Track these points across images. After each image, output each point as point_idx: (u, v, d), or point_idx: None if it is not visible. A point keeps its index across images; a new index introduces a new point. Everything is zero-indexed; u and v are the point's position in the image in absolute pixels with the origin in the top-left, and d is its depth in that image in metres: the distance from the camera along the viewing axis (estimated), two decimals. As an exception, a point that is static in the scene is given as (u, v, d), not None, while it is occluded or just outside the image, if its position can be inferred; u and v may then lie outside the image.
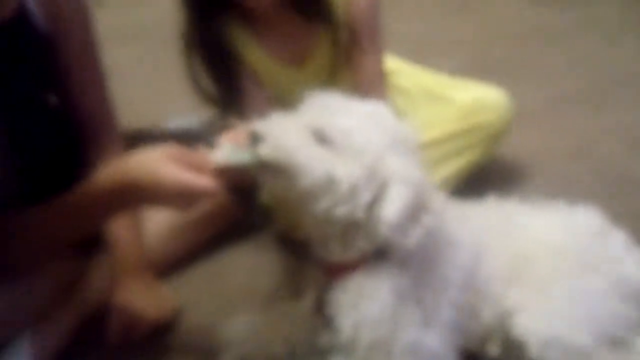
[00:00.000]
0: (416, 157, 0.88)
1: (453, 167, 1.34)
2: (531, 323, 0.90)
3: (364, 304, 0.87)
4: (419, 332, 0.88)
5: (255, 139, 0.85)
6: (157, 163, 0.82)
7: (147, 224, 1.19)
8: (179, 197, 0.83)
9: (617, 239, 0.97)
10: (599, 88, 1.90)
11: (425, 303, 0.89)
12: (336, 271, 0.91)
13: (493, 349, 0.95)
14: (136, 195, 0.85)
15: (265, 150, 0.84)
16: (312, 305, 1.01)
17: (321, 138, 0.83)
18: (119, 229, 1.11)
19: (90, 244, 1.10)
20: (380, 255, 0.88)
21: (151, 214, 1.19)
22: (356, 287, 0.89)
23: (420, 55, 1.62)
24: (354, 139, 0.83)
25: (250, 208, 1.29)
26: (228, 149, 0.87)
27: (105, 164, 1.00)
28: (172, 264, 1.26)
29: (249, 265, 1.32)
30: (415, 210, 0.82)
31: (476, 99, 1.37)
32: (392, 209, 0.80)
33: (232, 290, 1.25)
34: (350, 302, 0.89)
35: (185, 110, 1.86)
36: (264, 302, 1.21)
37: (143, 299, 1.10)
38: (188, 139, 0.93)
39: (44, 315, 1.04)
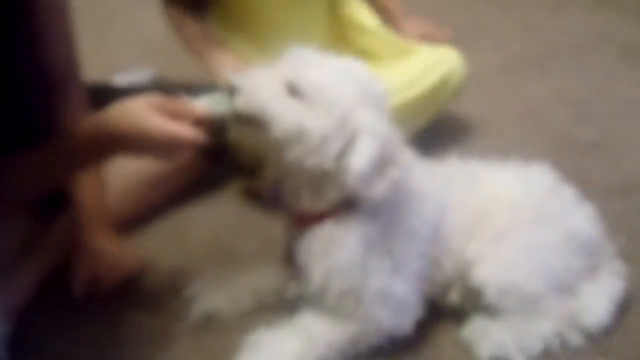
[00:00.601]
0: (386, 113, 0.91)
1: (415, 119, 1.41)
2: (488, 273, 0.97)
3: (334, 251, 0.91)
4: (387, 279, 0.92)
5: (232, 91, 0.89)
6: (142, 113, 0.83)
7: (111, 179, 1.18)
8: (165, 147, 0.84)
9: (568, 194, 1.04)
10: (544, 54, 1.99)
11: (394, 253, 0.93)
12: (306, 221, 0.94)
13: (454, 297, 1.01)
14: (120, 145, 0.85)
15: (240, 102, 0.88)
16: (280, 256, 1.04)
17: (294, 91, 0.86)
18: (83, 184, 1.10)
19: (51, 201, 1.08)
20: (349, 205, 0.91)
21: (114, 169, 1.18)
22: (326, 236, 0.92)
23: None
24: (325, 91, 0.86)
25: (220, 159, 1.30)
26: (208, 100, 0.89)
27: (74, 117, 0.98)
28: (136, 219, 1.26)
29: (213, 220, 1.33)
30: (382, 163, 0.85)
31: (434, 55, 1.44)
32: (359, 160, 0.84)
33: (197, 245, 1.26)
34: (320, 250, 0.92)
35: (131, 63, 1.87)
36: (230, 256, 1.23)
37: (108, 253, 1.10)
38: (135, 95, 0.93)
39: (3, 272, 1.02)
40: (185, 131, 0.84)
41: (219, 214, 1.35)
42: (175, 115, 0.86)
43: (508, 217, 1.00)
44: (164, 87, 1.26)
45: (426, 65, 1.42)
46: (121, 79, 1.76)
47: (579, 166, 1.42)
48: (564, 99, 1.74)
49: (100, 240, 1.10)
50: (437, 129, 1.52)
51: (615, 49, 1.98)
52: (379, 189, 0.86)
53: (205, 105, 0.91)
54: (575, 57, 1.97)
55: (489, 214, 1.00)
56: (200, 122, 0.89)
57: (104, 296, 1.09)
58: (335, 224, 0.92)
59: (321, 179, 0.89)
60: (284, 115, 0.85)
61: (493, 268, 0.97)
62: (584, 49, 2.01)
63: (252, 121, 0.88)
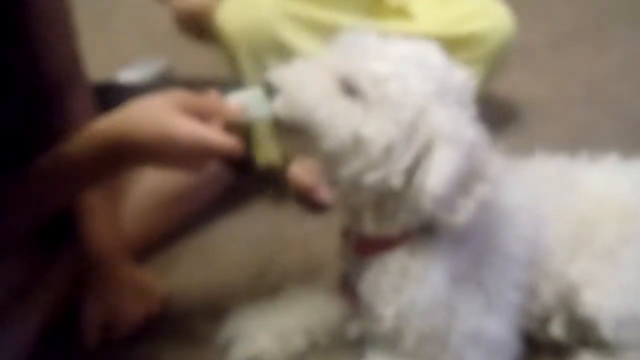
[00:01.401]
0: (469, 110, 0.73)
1: None
2: (602, 299, 0.78)
3: (411, 288, 0.74)
4: (480, 319, 0.75)
5: (269, 91, 0.71)
6: (164, 114, 0.68)
7: (126, 197, 1.01)
8: (194, 155, 0.70)
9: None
10: (600, 23, 1.78)
11: (486, 285, 0.76)
12: (370, 247, 0.78)
13: (556, 330, 0.83)
14: (138, 155, 0.70)
15: (280, 105, 0.71)
16: (336, 287, 0.86)
17: (350, 89, 0.70)
18: (92, 206, 0.92)
19: (54, 228, 0.90)
20: (428, 229, 0.73)
21: (128, 184, 1.00)
22: (399, 268, 0.75)
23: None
24: (389, 87, 0.68)
25: (247, 168, 1.13)
26: (244, 99, 0.72)
27: (79, 123, 0.81)
28: (157, 242, 1.09)
29: (243, 237, 1.16)
30: (467, 179, 0.69)
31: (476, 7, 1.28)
32: (437, 177, 0.67)
33: (228, 268, 1.09)
34: (392, 285, 0.75)
35: (136, 57, 1.70)
36: (268, 280, 1.05)
37: (124, 291, 0.92)
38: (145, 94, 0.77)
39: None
40: (217, 136, 0.69)
41: (250, 230, 1.17)
42: (204, 116, 0.70)
43: (620, 227, 0.81)
44: (175, 83, 1.09)
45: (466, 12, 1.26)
46: (126, 75, 1.60)
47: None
48: (632, 76, 1.53)
49: (117, 275, 0.92)
50: (486, 115, 1.32)
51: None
52: (463, 213, 0.69)
53: (243, 105, 0.72)
54: (630, 26, 1.76)
55: (596, 224, 0.82)
56: (230, 126, 0.73)
57: (120, 342, 0.91)
58: (410, 253, 0.75)
59: (388, 199, 0.72)
60: (338, 120, 0.69)
61: (607, 292, 0.79)
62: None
63: (296, 128, 0.71)
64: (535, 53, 1.62)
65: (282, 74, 0.71)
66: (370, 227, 0.75)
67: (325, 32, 1.08)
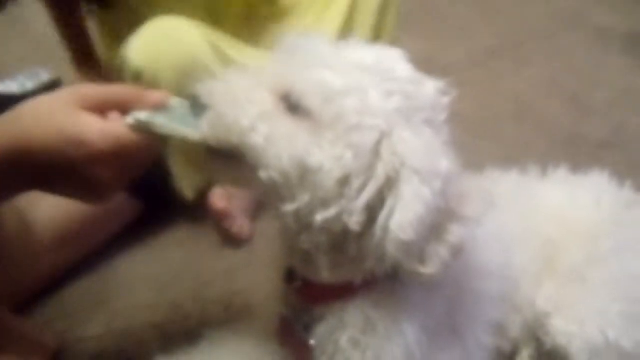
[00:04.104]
0: (443, 132, 0.61)
1: None
2: (573, 326, 0.73)
3: (378, 345, 0.63)
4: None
5: (197, 106, 0.59)
6: (63, 113, 0.55)
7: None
8: (111, 160, 0.56)
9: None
10: (515, 41, 1.81)
11: (461, 332, 0.67)
12: (323, 295, 0.66)
13: (525, 361, 0.76)
14: (38, 169, 0.55)
15: (210, 124, 0.59)
16: (274, 334, 0.74)
17: (294, 105, 0.58)
18: None
19: None
20: (395, 273, 0.60)
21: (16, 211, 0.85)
22: (361, 321, 0.64)
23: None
24: (343, 104, 0.57)
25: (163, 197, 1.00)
26: (170, 113, 0.60)
27: None
28: (47, 284, 0.95)
29: (152, 275, 1.03)
30: (441, 220, 0.57)
31: None
32: (405, 218, 0.55)
33: (133, 312, 0.96)
34: (353, 341, 0.64)
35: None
36: (185, 326, 0.92)
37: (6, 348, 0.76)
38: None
39: None
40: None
41: (160, 267, 1.04)
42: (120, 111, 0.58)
43: (584, 246, 0.77)
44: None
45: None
46: (6, 87, 1.44)
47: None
48: (555, 90, 1.56)
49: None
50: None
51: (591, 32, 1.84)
52: (435, 262, 0.57)
53: (165, 118, 0.60)
54: (549, 43, 1.80)
55: (559, 245, 0.77)
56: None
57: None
58: (374, 303, 0.63)
59: (347, 242, 0.60)
60: (279, 144, 0.57)
61: (578, 318, 0.73)
62: (558, 34, 1.84)
63: (228, 154, 0.59)
64: (455, 70, 1.60)
65: (212, 88, 0.59)
66: (324, 274, 0.62)
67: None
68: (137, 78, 0.96)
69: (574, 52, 1.73)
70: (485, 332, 0.69)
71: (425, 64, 0.62)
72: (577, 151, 1.34)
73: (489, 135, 1.38)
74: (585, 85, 1.57)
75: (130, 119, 0.58)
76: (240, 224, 1.05)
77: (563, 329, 0.73)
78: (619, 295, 0.74)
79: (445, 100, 0.61)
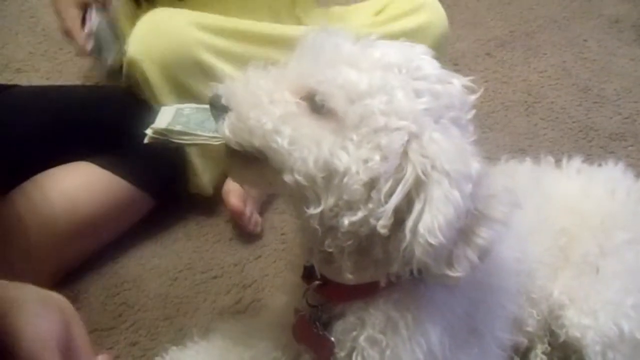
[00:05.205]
0: (469, 131, 0.59)
1: None
2: (586, 318, 0.73)
3: (400, 346, 0.62)
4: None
5: (216, 108, 0.58)
6: None
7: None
8: None
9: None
10: (527, 31, 1.80)
11: (481, 331, 0.66)
12: (344, 294, 0.65)
13: (538, 356, 0.77)
14: None
15: (228, 128, 0.58)
16: (287, 328, 0.74)
17: (318, 106, 0.57)
18: None
19: None
20: (418, 273, 0.59)
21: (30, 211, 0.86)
22: (382, 320, 0.63)
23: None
24: (370, 105, 0.55)
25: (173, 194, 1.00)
26: (188, 119, 0.59)
27: None
28: (60, 276, 0.95)
29: (163, 269, 1.02)
30: (470, 223, 0.56)
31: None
32: (434, 221, 0.53)
33: (144, 305, 0.96)
34: (373, 340, 0.63)
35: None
36: (195, 320, 0.93)
37: None
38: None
39: None
40: None
41: (171, 261, 1.04)
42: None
43: (597, 236, 0.77)
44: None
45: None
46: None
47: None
48: (566, 81, 1.55)
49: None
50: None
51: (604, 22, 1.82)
52: (463, 265, 0.56)
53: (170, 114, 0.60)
54: (561, 33, 1.79)
55: (573, 236, 0.77)
56: None
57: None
58: (396, 303, 0.62)
59: (374, 246, 0.59)
60: (304, 147, 0.55)
61: (592, 310, 0.74)
62: (569, 24, 1.83)
63: (250, 156, 0.58)
64: (467, 60, 1.60)
65: (232, 89, 0.58)
66: (347, 276, 0.61)
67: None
68: (131, 67, 1.00)
69: (586, 43, 1.71)
70: (503, 329, 0.69)
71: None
72: (588, 142, 1.34)
73: (499, 126, 1.39)
74: (597, 75, 1.56)
75: (149, 131, 0.58)
76: (254, 223, 1.07)
77: (577, 321, 0.73)
78: (633, 287, 0.74)
79: (472, 98, 0.59)
